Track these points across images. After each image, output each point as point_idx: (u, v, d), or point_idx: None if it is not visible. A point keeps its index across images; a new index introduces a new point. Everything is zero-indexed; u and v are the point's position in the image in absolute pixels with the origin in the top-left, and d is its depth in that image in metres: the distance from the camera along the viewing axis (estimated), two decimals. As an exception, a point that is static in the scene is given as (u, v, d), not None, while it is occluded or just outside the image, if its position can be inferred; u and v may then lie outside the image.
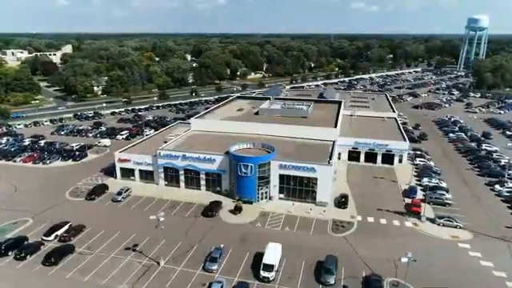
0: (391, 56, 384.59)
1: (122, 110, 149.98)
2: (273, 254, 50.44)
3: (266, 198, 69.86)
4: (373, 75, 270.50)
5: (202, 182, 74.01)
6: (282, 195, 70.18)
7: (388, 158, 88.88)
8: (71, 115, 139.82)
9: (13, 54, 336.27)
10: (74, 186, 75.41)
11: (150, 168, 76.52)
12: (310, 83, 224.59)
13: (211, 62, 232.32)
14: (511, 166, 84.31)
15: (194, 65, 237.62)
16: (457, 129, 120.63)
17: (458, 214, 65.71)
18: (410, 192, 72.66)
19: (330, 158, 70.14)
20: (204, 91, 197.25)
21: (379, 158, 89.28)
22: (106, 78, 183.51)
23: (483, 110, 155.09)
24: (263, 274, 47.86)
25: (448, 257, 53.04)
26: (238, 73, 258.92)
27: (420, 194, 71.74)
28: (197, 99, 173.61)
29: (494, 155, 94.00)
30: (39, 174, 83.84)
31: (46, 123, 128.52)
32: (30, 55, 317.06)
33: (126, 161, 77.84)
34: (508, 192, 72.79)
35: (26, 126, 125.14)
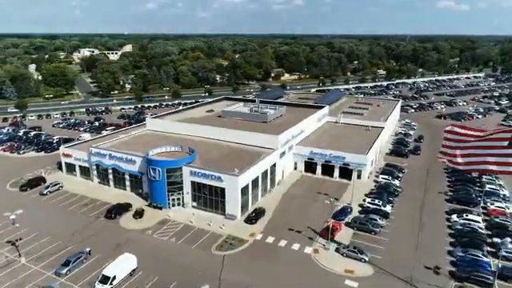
0: (457, 59, 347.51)
1: (132, 106, 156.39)
2: (119, 265, 47.65)
3: (179, 204, 66.86)
4: (419, 79, 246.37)
5: (127, 183, 73.38)
6: (195, 203, 66.55)
7: (347, 172, 79.45)
8: (84, 109, 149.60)
9: (79, 52, 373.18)
10: (20, 177, 79.87)
11: (86, 164, 78.07)
12: (340, 86, 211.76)
13: (242, 63, 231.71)
14: (494, 193, 69.95)
15: (226, 64, 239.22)
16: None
17: (380, 244, 56.06)
18: (339, 213, 63.98)
19: (249, 168, 64.62)
20: (221, 91, 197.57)
21: (336, 172, 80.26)
22: (133, 75, 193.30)
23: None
24: (97, 285, 45.40)
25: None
26: (273, 74, 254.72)
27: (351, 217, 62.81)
28: (210, 99, 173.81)
29: (484, 178, 78.69)
30: (5, 162, 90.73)
31: (56, 116, 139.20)
32: (93, 54, 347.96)
33: (68, 156, 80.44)
34: (462, 225, 60.11)
35: (39, 117, 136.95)
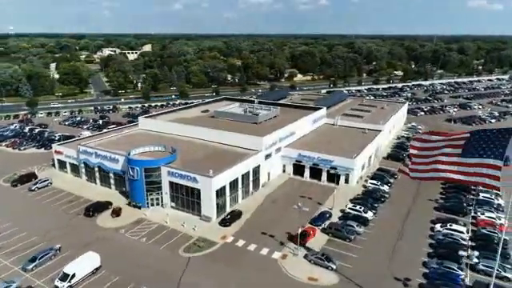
0: (482, 61, 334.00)
1: (139, 105, 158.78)
2: (81, 263, 48.06)
3: (158, 204, 66.97)
4: (436, 81, 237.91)
5: (112, 181, 74.23)
6: (173, 204, 66.46)
7: (335, 176, 77.35)
8: (92, 108, 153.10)
9: (102, 51, 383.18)
10: (14, 173, 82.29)
11: (76, 162, 79.55)
12: (353, 88, 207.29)
13: (253, 63, 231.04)
14: (488, 202, 66.37)
15: (239, 64, 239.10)
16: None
17: (353, 252, 54.17)
18: (317, 218, 62.29)
19: (227, 169, 63.93)
20: (230, 90, 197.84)
21: (324, 175, 78.31)
22: (144, 75, 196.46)
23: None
24: (56, 282, 45.95)
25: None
26: (286, 74, 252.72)
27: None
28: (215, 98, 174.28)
29: (480, 186, 74.60)
30: (5, 157, 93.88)
31: (64, 113, 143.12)
32: (112, 53, 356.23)
33: (60, 153, 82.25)
34: (444, 235, 57.18)
35: (48, 114, 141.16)
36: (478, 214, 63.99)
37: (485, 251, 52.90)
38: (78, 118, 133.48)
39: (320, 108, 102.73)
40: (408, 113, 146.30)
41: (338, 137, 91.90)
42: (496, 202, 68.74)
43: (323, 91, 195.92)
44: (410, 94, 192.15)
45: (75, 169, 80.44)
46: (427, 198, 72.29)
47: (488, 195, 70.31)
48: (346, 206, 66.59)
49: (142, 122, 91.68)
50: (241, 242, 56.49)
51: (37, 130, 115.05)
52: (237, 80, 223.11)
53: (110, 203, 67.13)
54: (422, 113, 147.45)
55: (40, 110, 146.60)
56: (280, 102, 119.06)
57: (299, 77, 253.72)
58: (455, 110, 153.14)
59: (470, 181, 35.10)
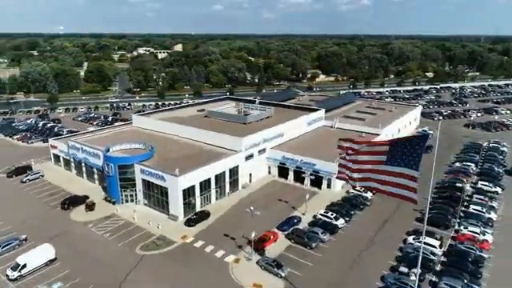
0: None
1: (153, 103, 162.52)
2: (34, 254, 49.68)
3: (132, 201, 67.97)
4: (468, 84, 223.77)
5: (96, 176, 76.32)
6: (146, 201, 67.15)
7: (318, 180, 74.77)
8: (108, 105, 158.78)
9: (136, 51, 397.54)
10: (12, 164, 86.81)
11: (67, 156, 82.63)
12: (374, 89, 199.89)
13: (275, 63, 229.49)
14: (478, 216, 61.36)
15: (261, 64, 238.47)
16: (477, 158, 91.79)
17: (310, 260, 52.05)
18: (284, 223, 60.39)
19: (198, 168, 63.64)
20: (245, 90, 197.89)
21: (307, 179, 75.88)
22: (163, 74, 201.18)
23: None
24: (7, 271, 47.83)
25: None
26: (309, 75, 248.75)
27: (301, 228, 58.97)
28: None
29: (475, 197, 69.15)
30: (12, 149, 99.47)
31: (81, 110, 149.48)
32: (146, 52, 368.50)
33: (55, 147, 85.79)
34: (414, 249, 53.38)
35: (66, 110, 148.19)
36: (462, 227, 59.18)
37: (455, 268, 48.92)
38: (92, 115, 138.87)
39: (317, 109, 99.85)
40: (425, 117, 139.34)
41: (332, 140, 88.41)
42: (487, 215, 63.29)
43: (342, 92, 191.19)
44: (433, 97, 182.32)
45: (68, 163, 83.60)
46: (413, 207, 67.88)
47: (480, 208, 64.86)
48: (318, 212, 64.06)
49: (135, 119, 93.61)
50: (199, 243, 55.95)
51: (49, 125, 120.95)
52: (256, 80, 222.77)
53: (87, 197, 68.99)
54: (441, 117, 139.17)
55: (59, 105, 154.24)
56: (283, 102, 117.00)
57: (322, 77, 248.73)
58: (478, 114, 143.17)
59: (393, 192, 32.15)
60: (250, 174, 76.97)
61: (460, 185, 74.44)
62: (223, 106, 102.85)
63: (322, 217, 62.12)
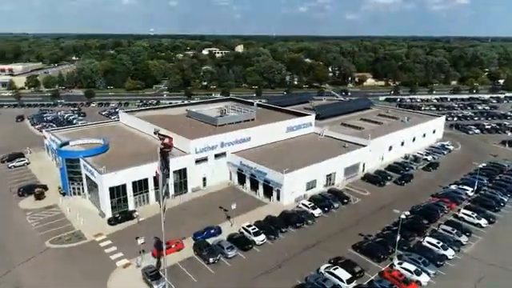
0: None
1: (179, 101, 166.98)
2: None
3: (79, 194, 70.15)
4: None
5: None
6: (90, 195, 68.74)
7: (270, 190, 69.37)
8: (139, 102, 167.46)
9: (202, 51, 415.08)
10: (13, 151, 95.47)
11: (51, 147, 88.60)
12: (418, 96, 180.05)
13: (317, 64, 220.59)
14: (430, 252, 51.29)
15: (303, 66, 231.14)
16: (484, 181, 76.63)
17: (197, 275, 48.32)
18: (199, 233, 56.94)
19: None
20: (272, 92, 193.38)
21: (260, 188, 70.84)
22: (201, 73, 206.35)
23: None
24: None
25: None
26: (356, 78, 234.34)
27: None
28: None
29: (441, 229, 57.62)
30: (26, 137, 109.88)
31: (112, 105, 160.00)
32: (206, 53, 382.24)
33: (45, 138, 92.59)
34: (316, 279, 46.17)
35: (99, 105, 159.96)
36: (396, 263, 49.72)
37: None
38: (117, 109, 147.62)
39: (306, 115, 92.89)
40: (458, 129, 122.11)
41: (309, 149, 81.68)
42: (441, 251, 52.27)
43: (381, 98, 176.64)
44: (488, 108, 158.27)
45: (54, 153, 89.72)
46: (363, 230, 59.18)
47: (435, 241, 53.84)
48: (250, 226, 58.97)
49: (121, 116, 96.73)
50: (106, 243, 55.41)
51: (71, 117, 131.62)
52: (295, 82, 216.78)
53: (44, 187, 72.88)
54: (478, 130, 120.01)
55: (96, 100, 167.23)
56: (284, 107, 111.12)
57: (370, 81, 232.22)
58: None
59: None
60: (204, 178, 74.33)
61: (439, 211, 63.31)
62: (210, 106, 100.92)
63: (243, 231, 57.28)
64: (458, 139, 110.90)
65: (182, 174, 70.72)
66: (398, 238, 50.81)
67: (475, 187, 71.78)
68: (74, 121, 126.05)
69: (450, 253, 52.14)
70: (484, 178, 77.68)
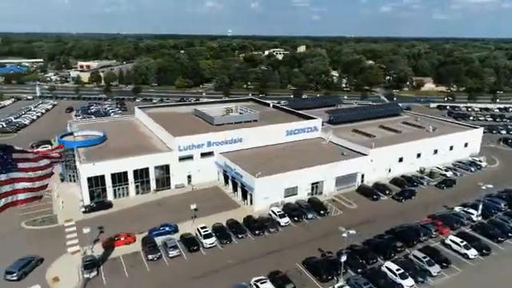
0: None
1: (211, 100, 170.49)
2: None
3: (74, 181, 75.20)
4: None
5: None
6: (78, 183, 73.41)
7: (246, 193, 67.43)
8: (178, 98, 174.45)
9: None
10: (44, 139, 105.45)
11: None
12: (479, 104, 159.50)
13: (370, 67, 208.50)
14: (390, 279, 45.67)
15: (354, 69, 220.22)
16: (501, 205, 65.08)
17: (131, 269, 48.63)
18: (154, 229, 57.37)
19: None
20: (311, 93, 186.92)
21: (239, 191, 69.21)
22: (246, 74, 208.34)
23: None
24: None
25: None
26: (414, 83, 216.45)
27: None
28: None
29: (412, 255, 50.51)
30: (61, 125, 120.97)
31: (154, 101, 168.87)
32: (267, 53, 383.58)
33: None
34: None
35: (143, 100, 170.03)
36: (335, 286, 44.87)
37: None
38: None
39: (312, 118, 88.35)
40: (507, 144, 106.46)
41: (304, 154, 77.41)
42: (398, 280, 45.83)
43: (432, 105, 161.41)
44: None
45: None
46: (325, 246, 54.39)
47: (395, 267, 47.35)
48: (204, 227, 57.86)
49: (137, 111, 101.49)
50: (71, 229, 58.63)
51: (111, 111, 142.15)
52: (343, 84, 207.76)
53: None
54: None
55: (140, 96, 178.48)
56: (307, 110, 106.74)
57: (429, 86, 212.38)
58: None
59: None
60: (189, 176, 74.73)
61: (421, 234, 55.91)
62: (220, 106, 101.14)
63: (197, 232, 56.44)
64: (499, 155, 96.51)
65: (164, 170, 72.05)
66: (344, 258, 45.55)
67: (479, 211, 61.60)
68: (112, 114, 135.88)
69: (407, 283, 45.52)
70: (502, 202, 66.48)
